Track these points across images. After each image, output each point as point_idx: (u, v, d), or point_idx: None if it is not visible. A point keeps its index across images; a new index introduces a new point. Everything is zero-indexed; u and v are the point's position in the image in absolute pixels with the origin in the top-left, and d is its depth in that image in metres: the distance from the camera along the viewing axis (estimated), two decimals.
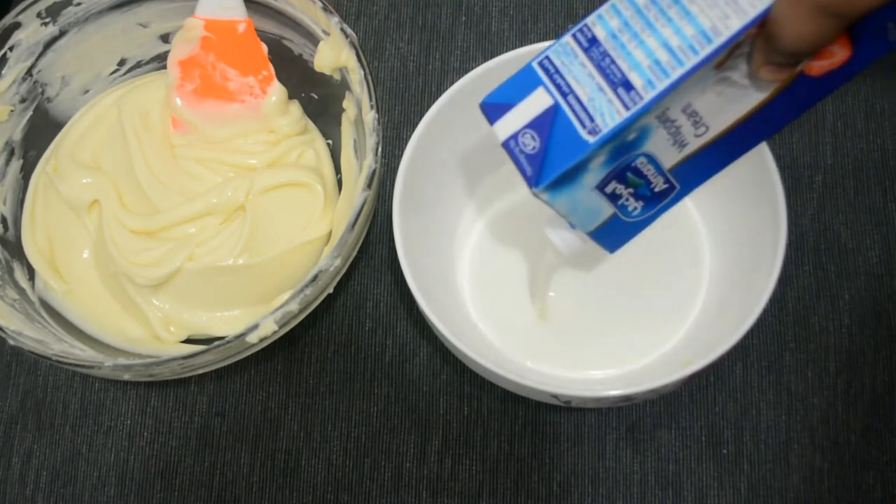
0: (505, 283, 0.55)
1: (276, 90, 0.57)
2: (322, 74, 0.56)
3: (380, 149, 0.50)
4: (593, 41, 0.39)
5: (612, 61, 0.38)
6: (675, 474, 0.52)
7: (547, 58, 0.40)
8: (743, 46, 0.37)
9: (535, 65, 0.40)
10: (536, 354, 0.53)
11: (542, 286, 0.54)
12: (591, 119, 0.38)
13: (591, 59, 0.39)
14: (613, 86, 0.38)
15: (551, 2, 0.64)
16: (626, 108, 0.38)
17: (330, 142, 0.60)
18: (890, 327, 0.54)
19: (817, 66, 0.40)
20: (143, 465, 0.55)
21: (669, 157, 0.42)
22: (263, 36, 0.58)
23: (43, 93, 0.58)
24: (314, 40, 0.56)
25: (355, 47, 0.52)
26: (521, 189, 0.57)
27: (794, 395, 0.53)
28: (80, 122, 0.60)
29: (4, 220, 0.57)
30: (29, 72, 0.57)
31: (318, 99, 0.60)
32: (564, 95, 0.39)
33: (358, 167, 0.55)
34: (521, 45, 0.53)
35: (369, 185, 0.49)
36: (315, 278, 0.48)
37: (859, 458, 0.52)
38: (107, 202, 0.56)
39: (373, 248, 0.59)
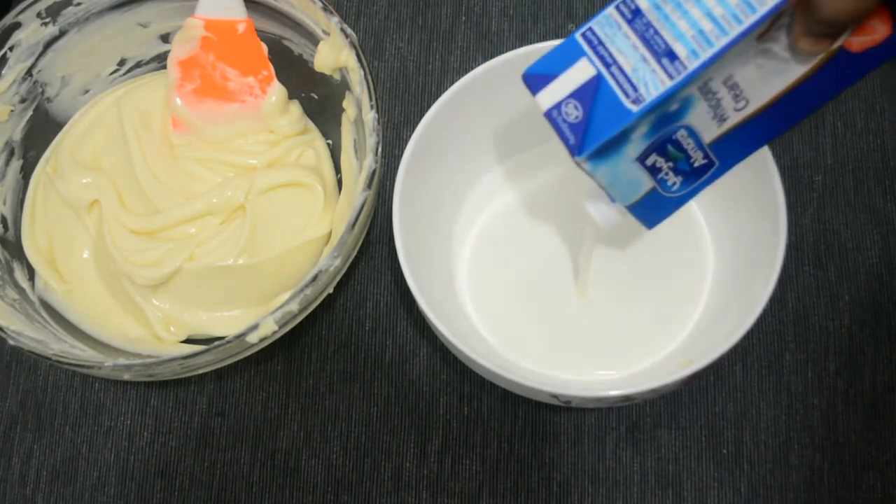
0: (505, 283, 0.55)
1: (276, 90, 0.57)
2: (322, 74, 0.56)
3: (380, 149, 0.50)
4: (637, 12, 0.39)
5: (656, 31, 0.38)
6: (675, 474, 0.52)
7: (590, 29, 0.40)
8: (784, 17, 0.38)
9: (577, 36, 0.40)
10: (536, 356, 0.53)
11: (583, 262, 0.53)
12: (635, 89, 0.39)
13: (634, 29, 0.39)
14: (657, 56, 0.38)
15: (551, 2, 0.64)
16: (671, 77, 0.38)
17: (330, 142, 0.60)
18: (890, 327, 0.54)
19: (857, 42, 0.40)
20: (143, 465, 0.55)
21: (709, 131, 0.42)
22: (263, 36, 0.58)
23: (43, 93, 0.58)
24: (314, 40, 0.56)
25: (355, 47, 0.52)
26: (521, 187, 0.57)
27: (794, 395, 0.53)
28: (80, 122, 0.60)
29: (4, 220, 0.57)
30: (29, 72, 0.57)
31: (318, 99, 0.60)
32: (608, 66, 0.39)
33: (358, 167, 0.55)
34: (521, 45, 0.53)
35: (369, 185, 0.49)
36: (315, 278, 0.48)
37: (859, 458, 0.52)
38: (107, 202, 0.56)
39: (373, 248, 0.59)
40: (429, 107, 0.51)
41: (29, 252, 0.56)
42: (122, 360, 0.48)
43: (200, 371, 0.50)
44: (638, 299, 0.54)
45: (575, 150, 0.40)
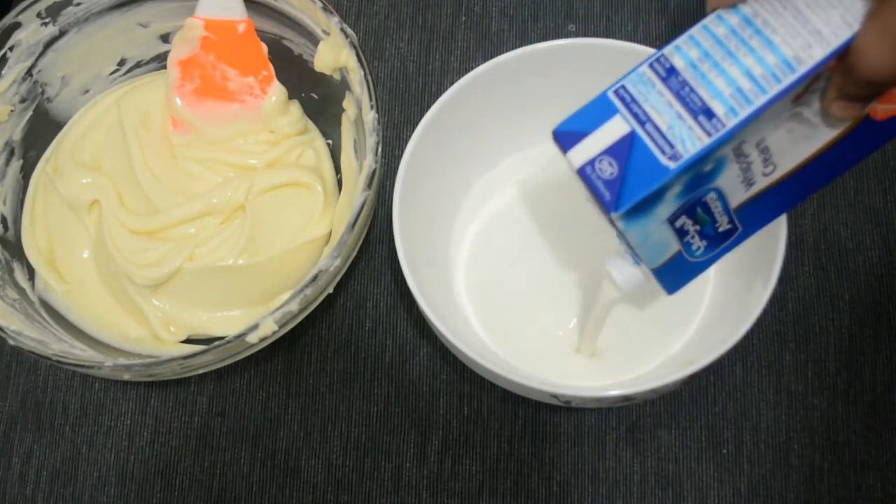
0: (505, 283, 0.55)
1: (276, 90, 0.57)
2: (322, 74, 0.56)
3: (380, 149, 0.50)
4: (671, 70, 0.39)
5: (692, 90, 0.38)
6: (675, 474, 0.52)
7: (623, 87, 0.39)
8: (819, 81, 0.38)
9: (610, 94, 0.40)
10: (536, 356, 0.53)
11: (596, 324, 0.52)
12: (672, 146, 0.38)
13: (669, 87, 0.39)
14: (694, 114, 0.38)
15: (551, 2, 0.64)
16: (708, 134, 0.38)
17: (330, 142, 0.60)
18: (890, 327, 0.54)
19: (882, 110, 0.40)
20: (143, 465, 0.55)
21: (737, 196, 0.42)
22: (263, 36, 0.58)
23: (43, 93, 0.58)
24: (314, 40, 0.56)
25: (355, 47, 0.52)
26: (521, 186, 0.57)
27: (794, 395, 0.53)
28: (80, 122, 0.60)
29: (4, 220, 0.57)
30: (29, 72, 0.57)
31: (318, 99, 0.60)
32: (642, 124, 0.39)
33: (358, 167, 0.55)
34: (521, 45, 0.53)
35: (369, 185, 0.49)
36: (315, 278, 0.48)
37: (859, 458, 0.52)
38: (107, 202, 0.56)
39: (373, 248, 0.59)
40: (429, 107, 0.51)
41: (29, 252, 0.56)
42: (122, 360, 0.48)
43: (200, 371, 0.50)
44: (641, 302, 0.54)
45: (611, 206, 0.39)
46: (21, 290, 0.54)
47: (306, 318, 0.51)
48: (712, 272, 0.54)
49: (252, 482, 0.54)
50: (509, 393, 0.53)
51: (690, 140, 0.38)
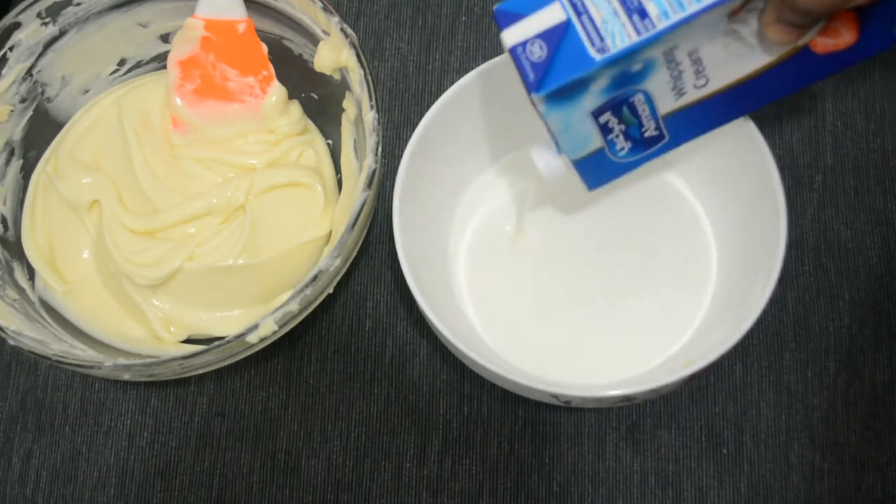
0: (505, 282, 0.55)
1: (276, 90, 0.57)
2: (322, 74, 0.56)
3: (380, 149, 0.50)
4: None
5: None
6: (675, 474, 0.52)
7: None
8: (758, 0, 0.38)
9: None
10: (536, 356, 0.53)
11: (522, 211, 0.55)
12: (602, 39, 0.39)
13: None
14: (629, 12, 0.39)
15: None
16: (638, 33, 0.39)
17: (330, 142, 0.60)
18: (890, 327, 0.54)
19: (822, 44, 0.41)
20: (143, 465, 0.55)
21: (666, 103, 0.43)
22: (263, 36, 0.58)
23: (43, 93, 0.58)
24: (314, 40, 0.56)
25: (355, 47, 0.52)
26: (521, 185, 0.57)
27: (794, 395, 0.53)
28: (80, 122, 0.60)
29: (4, 220, 0.57)
30: (29, 72, 0.57)
31: (318, 99, 0.60)
32: (578, 14, 0.40)
33: (358, 167, 0.55)
34: None
35: (369, 185, 0.49)
36: (315, 278, 0.48)
37: (859, 458, 0.52)
38: (107, 202, 0.56)
39: (373, 248, 0.59)
40: (429, 107, 0.51)
41: (29, 252, 0.56)
42: (122, 360, 0.48)
43: (200, 371, 0.50)
44: (640, 301, 0.54)
45: (533, 87, 0.40)
46: (21, 290, 0.54)
47: (306, 318, 0.51)
48: (713, 272, 0.54)
49: (252, 482, 0.54)
50: (509, 393, 0.53)
51: (620, 36, 0.39)
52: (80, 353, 0.51)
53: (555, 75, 0.40)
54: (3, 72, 0.55)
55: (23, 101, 0.57)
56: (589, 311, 0.54)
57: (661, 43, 0.39)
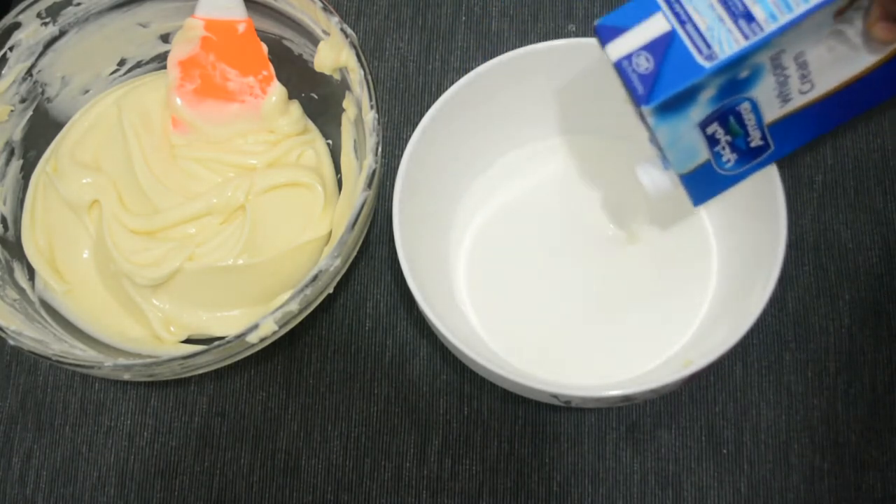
0: (505, 282, 0.55)
1: (276, 90, 0.57)
2: (322, 74, 0.56)
3: (380, 149, 0.50)
4: None
5: None
6: (675, 474, 0.52)
7: None
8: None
9: None
10: (537, 356, 0.53)
11: (636, 219, 0.54)
12: (709, 46, 0.39)
13: None
14: (734, 17, 0.39)
15: (551, 2, 0.64)
16: (746, 37, 0.38)
17: (330, 142, 0.60)
18: (890, 327, 0.54)
19: None
20: (143, 465, 0.55)
21: (772, 111, 0.42)
22: (263, 36, 0.58)
23: (43, 93, 0.58)
24: (314, 40, 0.56)
25: (355, 47, 0.52)
26: (521, 185, 0.57)
27: (794, 395, 0.53)
28: (80, 122, 0.60)
29: (4, 220, 0.57)
30: (29, 72, 0.57)
31: (318, 99, 0.60)
32: (682, 23, 0.39)
33: (358, 167, 0.55)
34: (521, 45, 0.53)
35: (369, 185, 0.49)
36: (315, 278, 0.48)
37: (859, 458, 0.52)
38: (107, 202, 0.56)
39: (373, 248, 0.59)
40: (429, 107, 0.51)
41: (29, 252, 0.56)
42: (122, 360, 0.48)
43: (200, 371, 0.50)
44: (640, 302, 0.54)
45: (643, 100, 0.40)
46: (21, 290, 0.54)
47: (306, 318, 0.51)
48: (714, 272, 0.54)
49: (252, 482, 0.54)
50: (509, 393, 0.53)
51: (728, 42, 0.39)
52: (80, 353, 0.51)
53: (664, 86, 0.39)
54: (3, 72, 0.55)
55: (23, 101, 0.57)
56: (589, 311, 0.54)
57: (770, 47, 0.39)
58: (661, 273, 0.54)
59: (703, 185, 0.45)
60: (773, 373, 0.54)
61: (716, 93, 0.40)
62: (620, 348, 0.53)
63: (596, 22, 0.41)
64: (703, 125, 0.41)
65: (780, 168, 0.47)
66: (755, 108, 0.42)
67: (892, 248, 0.56)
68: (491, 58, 0.52)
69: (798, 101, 0.42)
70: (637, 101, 0.40)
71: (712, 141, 0.42)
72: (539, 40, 0.53)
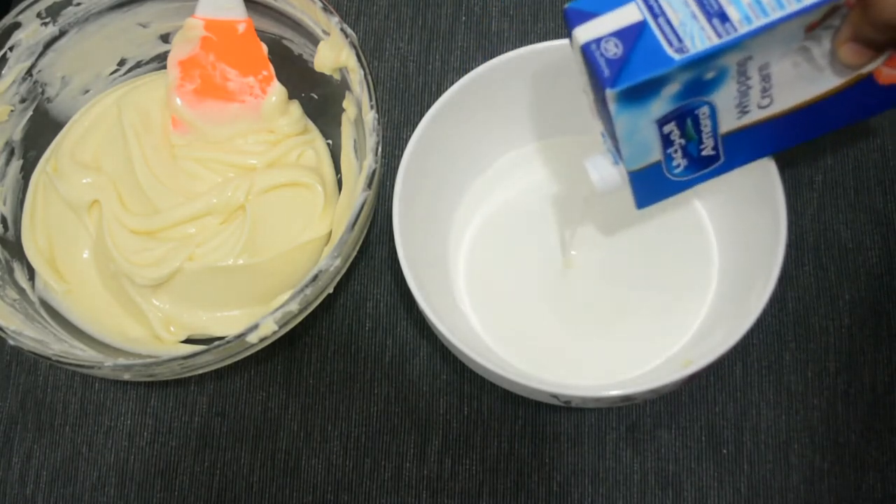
0: (505, 282, 0.55)
1: (276, 90, 0.57)
2: (322, 74, 0.56)
3: (380, 149, 0.50)
4: None
5: None
6: (675, 474, 0.52)
7: None
8: (835, 18, 0.38)
9: None
10: (536, 356, 0.53)
11: (571, 230, 0.53)
12: (680, 40, 0.39)
13: None
14: (708, 15, 0.39)
15: (551, 2, 0.64)
16: (719, 36, 0.38)
17: (330, 142, 0.60)
18: (890, 327, 0.54)
19: (886, 74, 0.40)
20: (143, 465, 0.55)
21: (728, 120, 0.42)
22: (263, 36, 0.58)
23: (43, 93, 0.58)
24: (314, 40, 0.56)
25: (355, 47, 0.52)
26: (521, 184, 0.57)
27: (794, 395, 0.53)
28: (80, 122, 0.60)
29: (4, 220, 0.57)
30: (29, 72, 0.57)
31: (318, 99, 0.60)
32: (655, 17, 0.39)
33: (358, 167, 0.55)
34: (521, 45, 0.53)
35: (369, 185, 0.49)
36: (315, 278, 0.48)
37: (859, 458, 0.52)
38: (107, 202, 0.56)
39: (373, 248, 0.59)
40: (429, 107, 0.51)
41: (29, 252, 0.56)
42: (122, 360, 0.48)
43: (200, 371, 0.50)
44: (641, 302, 0.54)
45: (608, 82, 0.39)
46: (21, 290, 0.54)
47: (306, 318, 0.51)
48: (714, 273, 0.54)
49: (252, 482, 0.54)
50: (509, 393, 0.53)
51: (700, 38, 0.39)
52: (80, 353, 0.51)
53: (632, 72, 0.39)
54: (3, 72, 0.55)
55: (23, 101, 0.57)
56: (589, 311, 0.54)
57: (740, 49, 0.39)
58: (662, 273, 0.54)
59: (650, 186, 0.45)
60: (773, 373, 0.54)
61: (679, 89, 0.40)
62: (620, 348, 0.53)
63: (566, 6, 0.41)
64: (661, 123, 0.41)
65: (780, 168, 0.48)
66: (713, 115, 0.42)
67: (892, 248, 0.56)
68: (491, 58, 0.52)
69: (755, 115, 0.42)
70: (602, 83, 0.39)
71: (667, 142, 0.43)
72: (539, 40, 0.53)
